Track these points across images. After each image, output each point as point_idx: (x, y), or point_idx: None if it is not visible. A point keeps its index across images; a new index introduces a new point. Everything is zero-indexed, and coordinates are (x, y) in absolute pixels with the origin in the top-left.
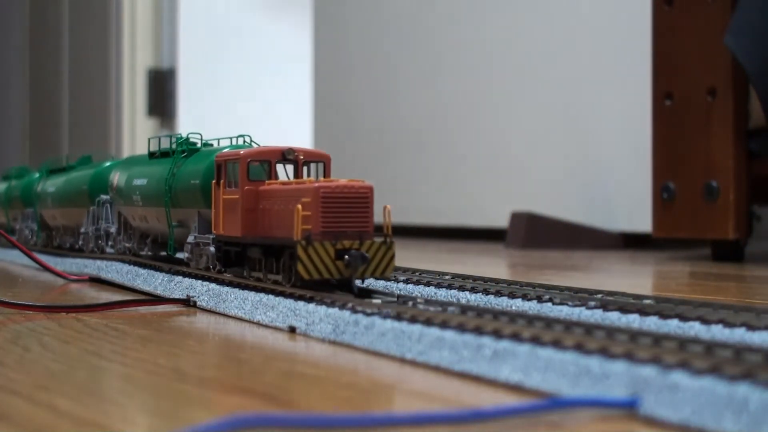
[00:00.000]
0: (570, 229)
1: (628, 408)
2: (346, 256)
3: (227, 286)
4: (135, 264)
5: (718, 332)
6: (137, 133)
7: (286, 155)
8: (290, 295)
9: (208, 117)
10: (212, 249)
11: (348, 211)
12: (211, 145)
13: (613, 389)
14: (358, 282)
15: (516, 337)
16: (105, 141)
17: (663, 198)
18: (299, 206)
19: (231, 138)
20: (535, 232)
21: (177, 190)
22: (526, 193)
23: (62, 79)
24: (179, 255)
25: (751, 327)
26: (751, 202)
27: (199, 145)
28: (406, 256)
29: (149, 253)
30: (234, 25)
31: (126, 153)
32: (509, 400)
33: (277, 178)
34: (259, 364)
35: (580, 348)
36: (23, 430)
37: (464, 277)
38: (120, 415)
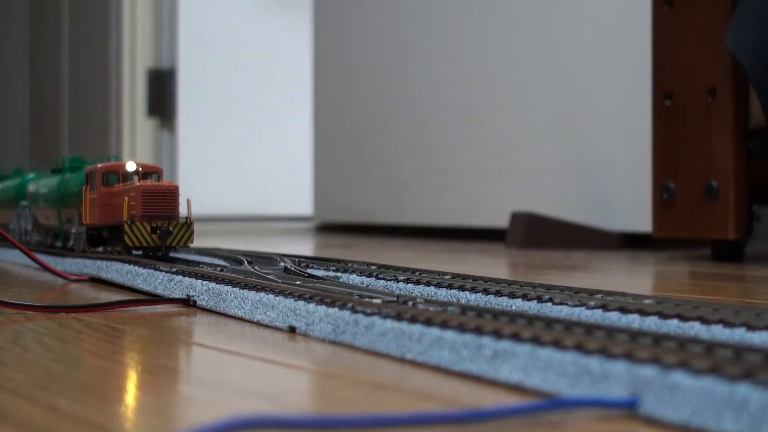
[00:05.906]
0: (570, 229)
1: (628, 408)
2: (158, 231)
3: (227, 285)
4: (135, 264)
5: (718, 332)
6: (137, 133)
7: (129, 168)
8: (290, 295)
9: (208, 117)
10: (84, 234)
11: (160, 202)
12: (92, 163)
13: (613, 389)
14: (172, 253)
15: (516, 337)
16: (105, 141)
17: (663, 198)
18: (126, 198)
19: (108, 158)
20: (535, 232)
21: (64, 195)
22: (526, 193)
23: (62, 79)
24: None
25: (751, 327)
26: (751, 202)
27: (84, 162)
28: (407, 256)
29: (57, 243)
30: (234, 25)
31: (126, 152)
32: (509, 400)
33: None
34: (258, 364)
35: (580, 348)
36: (23, 430)
37: (464, 277)
38: (120, 415)
